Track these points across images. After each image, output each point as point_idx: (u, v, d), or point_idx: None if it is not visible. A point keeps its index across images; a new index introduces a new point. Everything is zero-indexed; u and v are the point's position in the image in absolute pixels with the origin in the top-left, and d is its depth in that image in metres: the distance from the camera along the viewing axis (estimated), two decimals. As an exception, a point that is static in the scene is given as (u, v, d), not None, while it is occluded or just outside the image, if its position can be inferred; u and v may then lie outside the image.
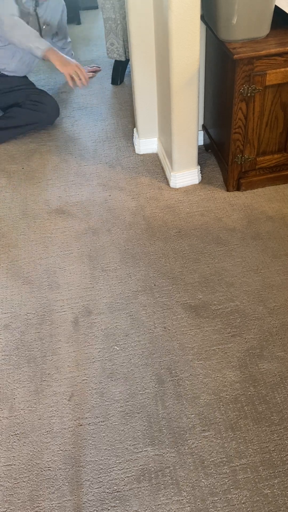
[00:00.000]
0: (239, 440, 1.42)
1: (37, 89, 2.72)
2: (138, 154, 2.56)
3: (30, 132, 2.73)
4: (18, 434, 1.47)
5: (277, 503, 1.29)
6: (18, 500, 1.33)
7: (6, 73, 2.60)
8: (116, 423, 1.48)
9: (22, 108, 2.62)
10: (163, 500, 1.31)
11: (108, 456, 1.41)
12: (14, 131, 2.66)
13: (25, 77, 2.73)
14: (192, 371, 1.59)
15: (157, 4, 1.97)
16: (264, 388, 1.53)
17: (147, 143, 2.53)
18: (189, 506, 1.30)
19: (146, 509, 1.30)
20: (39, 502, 1.33)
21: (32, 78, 3.05)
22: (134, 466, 1.38)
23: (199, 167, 2.31)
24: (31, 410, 1.52)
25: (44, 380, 1.59)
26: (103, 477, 1.36)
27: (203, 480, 1.34)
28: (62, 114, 2.87)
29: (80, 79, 2.35)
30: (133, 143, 2.62)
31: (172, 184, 2.32)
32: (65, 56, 2.36)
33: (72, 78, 2.35)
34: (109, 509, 1.30)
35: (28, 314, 1.80)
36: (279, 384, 1.54)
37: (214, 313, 1.75)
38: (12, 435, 1.47)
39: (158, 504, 1.30)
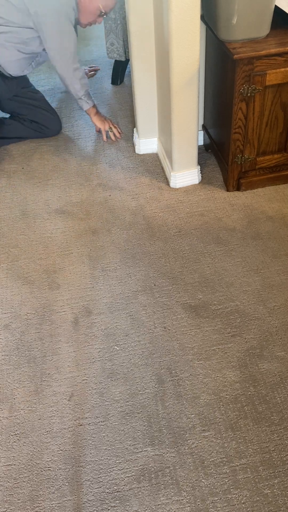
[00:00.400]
0: (239, 440, 1.42)
1: (43, 105, 2.68)
2: (138, 154, 2.56)
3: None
4: (18, 434, 1.47)
5: (277, 503, 1.29)
6: (18, 500, 1.33)
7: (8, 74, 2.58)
8: (116, 423, 1.48)
9: (25, 126, 2.66)
10: (163, 500, 1.31)
11: (108, 456, 1.41)
12: (15, 140, 2.70)
13: (27, 81, 2.71)
14: (192, 371, 1.59)
15: (157, 4, 1.97)
16: (264, 388, 1.53)
17: (147, 143, 2.53)
18: (189, 506, 1.30)
19: (146, 509, 1.30)
20: (39, 502, 1.33)
21: (32, 78, 3.04)
22: (134, 466, 1.38)
23: (199, 167, 2.31)
24: (31, 410, 1.52)
25: (44, 380, 1.59)
26: (103, 477, 1.36)
27: (203, 480, 1.34)
28: (62, 114, 2.87)
29: (114, 134, 2.65)
30: (133, 143, 2.62)
31: (172, 184, 2.32)
32: (101, 113, 2.67)
33: (105, 132, 2.66)
34: (109, 509, 1.30)
35: (28, 314, 1.80)
36: (279, 384, 1.54)
37: (214, 313, 1.75)
38: (12, 435, 1.47)
39: (158, 504, 1.30)
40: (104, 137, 2.67)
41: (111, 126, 2.65)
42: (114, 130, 2.66)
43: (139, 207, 2.23)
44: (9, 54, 2.39)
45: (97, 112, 2.64)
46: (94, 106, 2.61)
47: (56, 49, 2.36)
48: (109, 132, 2.66)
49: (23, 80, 2.63)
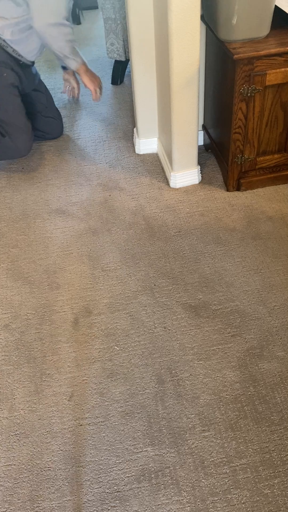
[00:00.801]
0: (239, 440, 1.42)
1: (51, 107, 2.63)
2: (138, 154, 2.56)
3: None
4: (18, 434, 1.47)
5: (277, 503, 1.29)
6: (18, 500, 1.33)
7: (27, 60, 2.38)
8: (116, 423, 1.48)
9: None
10: (163, 500, 1.31)
11: (108, 456, 1.41)
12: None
13: (41, 82, 2.64)
14: (192, 371, 1.59)
15: (157, 4, 1.97)
16: (264, 388, 1.53)
17: (147, 143, 2.53)
18: (189, 506, 1.30)
19: (146, 509, 1.30)
20: (39, 502, 1.33)
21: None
22: (134, 466, 1.38)
23: (199, 167, 2.31)
24: (31, 410, 1.52)
25: (44, 380, 1.59)
26: (103, 477, 1.36)
27: (203, 480, 1.34)
28: (62, 114, 2.87)
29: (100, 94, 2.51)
30: (133, 143, 2.62)
31: (172, 184, 2.32)
32: (91, 70, 2.46)
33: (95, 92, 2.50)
34: (109, 509, 1.30)
35: (28, 314, 1.80)
36: (279, 384, 1.54)
37: (214, 313, 1.75)
38: (12, 435, 1.47)
39: (158, 504, 1.30)
40: (94, 97, 2.49)
41: (100, 84, 2.49)
42: (99, 91, 2.49)
43: (139, 207, 2.23)
44: (28, 42, 2.30)
45: (87, 70, 2.43)
46: (84, 63, 2.40)
47: None
48: (98, 90, 2.48)
49: (37, 75, 2.57)
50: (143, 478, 1.35)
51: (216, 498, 1.31)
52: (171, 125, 2.12)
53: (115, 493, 1.33)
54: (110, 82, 3.19)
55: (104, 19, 2.91)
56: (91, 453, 1.41)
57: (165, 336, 1.69)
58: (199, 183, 2.33)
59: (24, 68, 2.41)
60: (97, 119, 2.85)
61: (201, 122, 2.49)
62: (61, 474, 1.38)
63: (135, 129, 2.56)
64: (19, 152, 2.46)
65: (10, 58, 2.30)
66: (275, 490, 1.31)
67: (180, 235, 2.07)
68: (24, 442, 1.45)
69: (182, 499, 1.31)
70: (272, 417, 1.46)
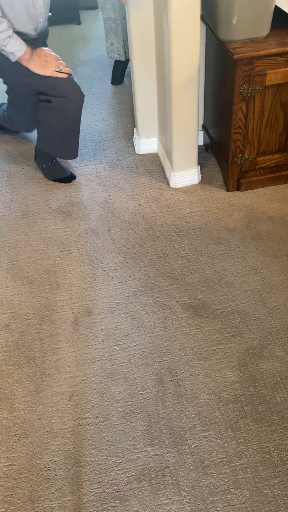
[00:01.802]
0: (239, 440, 1.42)
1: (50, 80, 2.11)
2: (138, 154, 2.56)
3: (30, 132, 2.72)
4: (18, 434, 1.47)
5: (277, 503, 1.29)
6: (18, 500, 1.33)
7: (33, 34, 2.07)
8: (116, 423, 1.48)
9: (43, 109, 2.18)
10: (163, 500, 1.31)
11: (108, 456, 1.41)
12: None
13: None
14: (192, 371, 1.59)
15: (157, 4, 1.97)
16: (264, 388, 1.53)
17: (147, 143, 2.53)
18: (189, 506, 1.30)
19: (146, 509, 1.30)
20: (39, 502, 1.33)
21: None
22: (134, 466, 1.38)
23: (199, 167, 2.31)
24: (31, 410, 1.52)
25: (44, 380, 1.59)
26: (103, 477, 1.36)
27: (203, 480, 1.34)
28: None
29: (64, 72, 2.08)
30: (133, 143, 2.62)
31: (172, 184, 2.32)
32: (41, 54, 2.01)
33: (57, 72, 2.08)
34: (109, 509, 1.30)
35: (28, 314, 1.80)
36: (279, 384, 1.54)
37: (214, 313, 1.75)
38: (12, 435, 1.47)
39: (158, 504, 1.30)
40: (59, 75, 2.05)
41: (58, 64, 2.05)
42: (62, 67, 2.06)
43: (139, 207, 2.23)
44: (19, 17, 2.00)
45: (32, 56, 1.99)
46: (26, 50, 1.97)
47: None
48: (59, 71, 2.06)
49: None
50: (143, 478, 1.35)
51: (216, 498, 1.30)
52: (171, 125, 2.12)
53: (115, 493, 1.33)
54: (110, 82, 3.19)
55: (104, 19, 2.91)
56: (91, 453, 1.41)
57: (165, 336, 1.69)
58: (199, 183, 2.33)
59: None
60: (97, 119, 2.85)
61: (201, 122, 2.49)
62: (61, 474, 1.38)
63: (135, 129, 2.56)
64: (75, 102, 2.12)
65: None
66: (275, 490, 1.31)
67: (180, 235, 2.07)
68: (24, 442, 1.45)
69: (182, 499, 1.31)
70: (272, 417, 1.46)
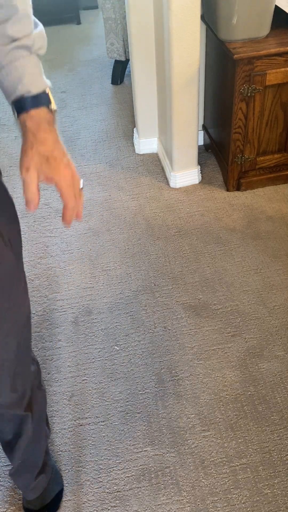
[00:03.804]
0: (239, 440, 1.42)
1: None
2: (138, 154, 2.56)
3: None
4: (18, 434, 1.47)
5: (277, 503, 1.29)
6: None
7: None
8: (116, 423, 1.48)
9: None
10: (163, 500, 1.31)
11: (108, 456, 1.41)
12: None
13: None
14: (192, 371, 1.59)
15: (157, 4, 1.97)
16: (264, 388, 1.53)
17: (147, 143, 2.53)
18: (189, 506, 1.29)
19: (146, 509, 1.30)
20: (39, 502, 1.32)
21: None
22: (134, 466, 1.38)
23: (199, 167, 2.31)
24: (31, 410, 1.52)
25: (44, 380, 1.59)
26: (103, 477, 1.36)
27: (203, 480, 1.34)
28: (62, 114, 2.87)
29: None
30: (133, 143, 2.62)
31: (172, 184, 2.32)
32: (65, 152, 0.95)
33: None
34: (109, 509, 1.30)
35: (28, 314, 1.80)
36: (279, 384, 1.54)
37: (214, 313, 1.75)
38: (12, 435, 1.46)
39: (158, 504, 1.30)
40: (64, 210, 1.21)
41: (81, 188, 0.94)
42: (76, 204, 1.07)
43: (139, 207, 2.23)
44: None
45: (54, 125, 0.87)
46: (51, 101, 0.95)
47: None
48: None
49: None
50: (143, 478, 1.35)
51: (216, 498, 1.30)
52: (171, 125, 2.12)
53: (115, 493, 1.33)
54: (110, 82, 3.19)
55: (104, 19, 2.91)
56: (91, 453, 1.41)
57: (165, 336, 1.69)
58: (199, 183, 2.33)
59: None
60: (97, 119, 2.85)
61: (201, 122, 2.49)
62: (61, 474, 1.37)
63: (135, 129, 2.56)
64: None
65: None
66: (275, 490, 1.31)
67: (180, 235, 2.07)
68: (24, 442, 1.45)
69: (182, 499, 1.31)
70: (272, 417, 1.46)
